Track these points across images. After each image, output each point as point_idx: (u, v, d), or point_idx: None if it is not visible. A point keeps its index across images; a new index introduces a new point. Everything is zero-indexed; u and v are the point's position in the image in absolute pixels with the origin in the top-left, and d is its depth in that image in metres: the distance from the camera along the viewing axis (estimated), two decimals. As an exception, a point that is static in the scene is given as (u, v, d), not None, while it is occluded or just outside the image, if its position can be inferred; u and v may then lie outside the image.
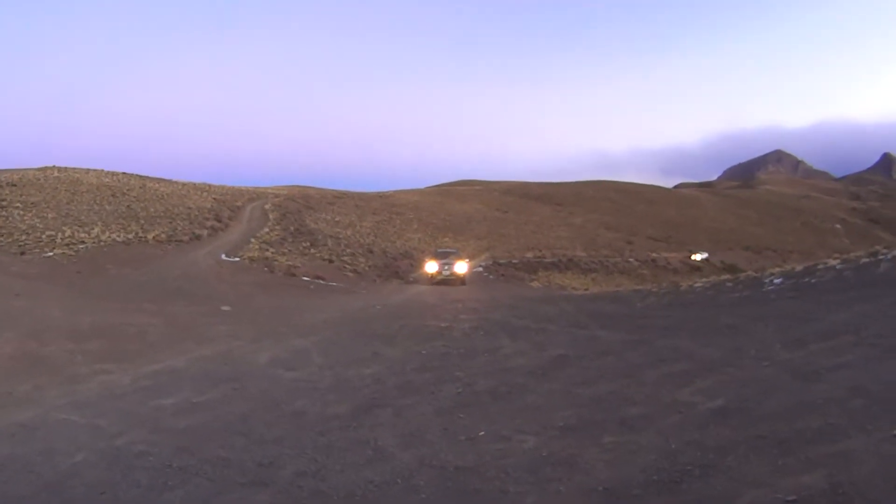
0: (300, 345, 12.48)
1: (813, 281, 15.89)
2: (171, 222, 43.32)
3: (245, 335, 13.97)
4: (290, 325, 15.41)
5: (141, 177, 72.50)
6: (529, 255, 72.70)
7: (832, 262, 17.75)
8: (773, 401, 6.52)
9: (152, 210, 47.27)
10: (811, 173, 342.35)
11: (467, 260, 37.64)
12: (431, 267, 33.88)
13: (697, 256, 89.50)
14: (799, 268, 18.55)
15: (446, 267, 33.48)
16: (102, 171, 70.87)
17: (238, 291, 24.91)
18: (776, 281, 16.91)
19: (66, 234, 33.02)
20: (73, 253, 28.67)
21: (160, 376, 10.16)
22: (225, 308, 19.05)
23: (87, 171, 68.28)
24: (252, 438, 6.75)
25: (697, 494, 4.66)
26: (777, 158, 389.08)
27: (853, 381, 6.72)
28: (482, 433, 6.44)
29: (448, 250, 39.08)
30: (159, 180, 72.98)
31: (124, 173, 72.90)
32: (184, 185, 72.99)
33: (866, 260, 16.62)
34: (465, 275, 34.11)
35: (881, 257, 16.33)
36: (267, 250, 38.97)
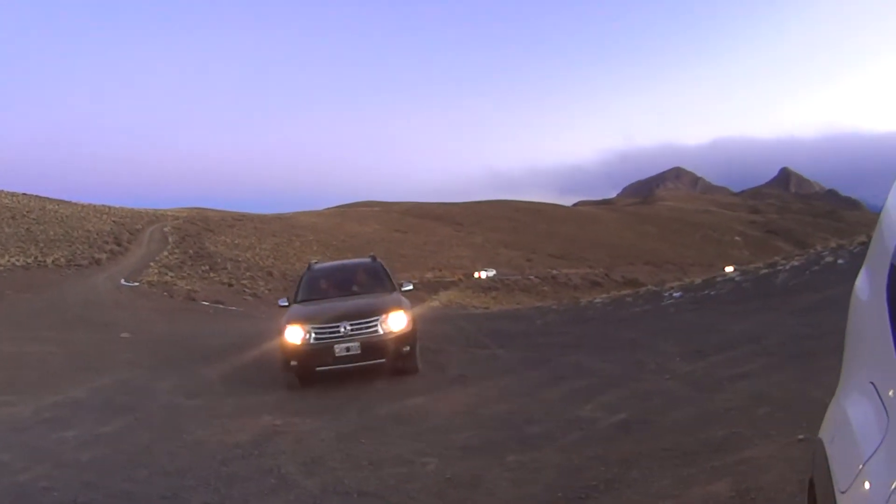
0: (201, 371, 12.15)
1: (712, 293, 16.40)
2: (70, 246, 41.98)
3: (145, 363, 13.56)
4: (191, 352, 15.02)
5: (41, 198, 70.29)
6: (429, 275, 72.94)
7: (731, 274, 18.37)
8: (676, 413, 6.64)
9: (52, 233, 45.74)
10: (710, 189, 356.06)
11: (408, 286, 11.81)
12: (295, 335, 9.98)
13: (483, 274, 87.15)
14: (698, 280, 19.14)
15: (348, 330, 9.86)
16: (2, 191, 68.19)
17: (138, 317, 24.21)
18: (676, 294, 17.39)
19: (-35, 258, 31.72)
20: (-28, 278, 27.59)
21: (62, 408, 9.71)
22: (125, 335, 18.44)
23: (-13, 191, 65.77)
24: (155, 470, 6.48)
25: (603, 509, 4.66)
26: (676, 175, 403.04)
27: (755, 390, 6.92)
28: (385, 458, 6.34)
29: (348, 264, 14.54)
30: (59, 202, 70.78)
31: (24, 194, 70.50)
32: (83, 206, 70.83)
33: (765, 271, 17.24)
34: (404, 335, 10.07)
35: (779, 268, 16.96)
36: (166, 274, 38.29)
